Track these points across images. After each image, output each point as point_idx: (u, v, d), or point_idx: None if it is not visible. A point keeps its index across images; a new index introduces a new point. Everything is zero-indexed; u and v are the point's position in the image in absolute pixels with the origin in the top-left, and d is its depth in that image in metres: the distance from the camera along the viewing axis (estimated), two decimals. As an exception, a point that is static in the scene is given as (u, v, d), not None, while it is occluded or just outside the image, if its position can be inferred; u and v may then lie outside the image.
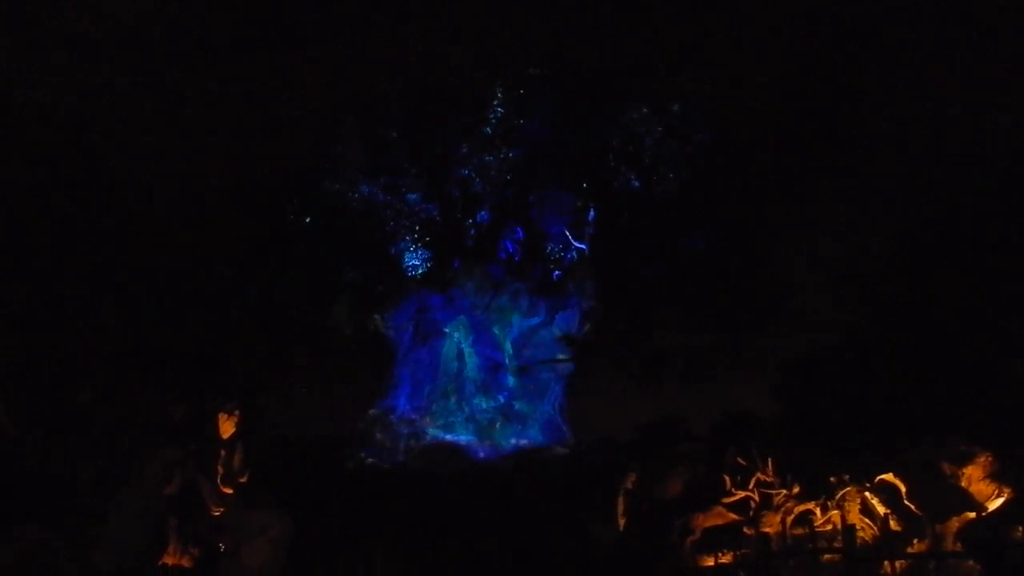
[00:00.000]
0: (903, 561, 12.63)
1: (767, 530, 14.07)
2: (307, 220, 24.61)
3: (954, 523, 12.57)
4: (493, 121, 24.72)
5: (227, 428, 15.74)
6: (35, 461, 15.32)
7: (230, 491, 15.12)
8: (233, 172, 24.84)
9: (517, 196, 25.29)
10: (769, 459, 14.44)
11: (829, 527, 13.95)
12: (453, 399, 24.61)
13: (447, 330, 24.93)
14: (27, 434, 15.62)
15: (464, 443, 23.81)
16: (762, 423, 20.34)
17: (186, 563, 13.96)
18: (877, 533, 13.51)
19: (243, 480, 15.44)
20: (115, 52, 24.95)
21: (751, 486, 14.52)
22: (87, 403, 17.17)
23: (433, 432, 23.96)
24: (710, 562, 14.58)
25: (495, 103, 24.75)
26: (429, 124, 25.16)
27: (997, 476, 12.93)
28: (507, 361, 25.21)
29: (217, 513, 14.64)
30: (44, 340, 18.35)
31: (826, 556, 13.39)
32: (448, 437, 23.89)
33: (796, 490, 14.22)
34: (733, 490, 14.70)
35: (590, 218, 25.42)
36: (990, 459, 13.24)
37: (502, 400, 24.97)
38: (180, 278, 23.20)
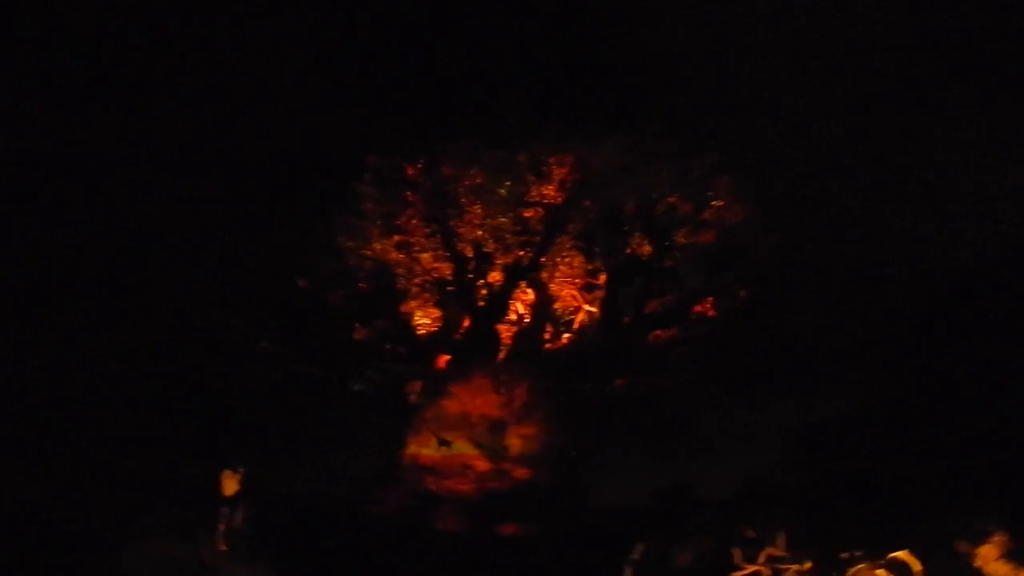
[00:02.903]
0: (916, 643, 12.26)
1: (777, 606, 13.77)
2: (320, 276, 24.70)
3: (969, 604, 12.21)
4: (508, 183, 24.88)
5: (231, 486, 15.65)
6: (44, 516, 15.24)
7: (228, 549, 15.00)
8: (248, 224, 25.07)
9: (529, 258, 25.31)
10: (781, 533, 14.17)
11: (840, 604, 13.61)
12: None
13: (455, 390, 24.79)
14: (37, 489, 15.58)
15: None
16: (774, 494, 20.08)
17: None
18: (889, 612, 13.14)
19: (243, 539, 15.31)
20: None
21: (761, 560, 14.23)
22: (94, 457, 17.12)
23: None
24: (718, 637, 14.26)
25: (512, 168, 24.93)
26: (444, 183, 25.31)
27: (1014, 556, 12.60)
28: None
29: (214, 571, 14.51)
30: (56, 395, 18.39)
31: (837, 635, 13.06)
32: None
33: (808, 566, 13.90)
34: (743, 564, 14.41)
35: (601, 282, 25.45)
36: (1007, 538, 12.92)
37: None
38: (191, 331, 23.26)
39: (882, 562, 13.59)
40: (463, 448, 23.22)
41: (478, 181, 24.91)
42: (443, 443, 23.16)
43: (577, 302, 25.91)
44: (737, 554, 14.59)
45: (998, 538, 12.89)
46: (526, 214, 25.10)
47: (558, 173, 25.08)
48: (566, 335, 25.94)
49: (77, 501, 16.29)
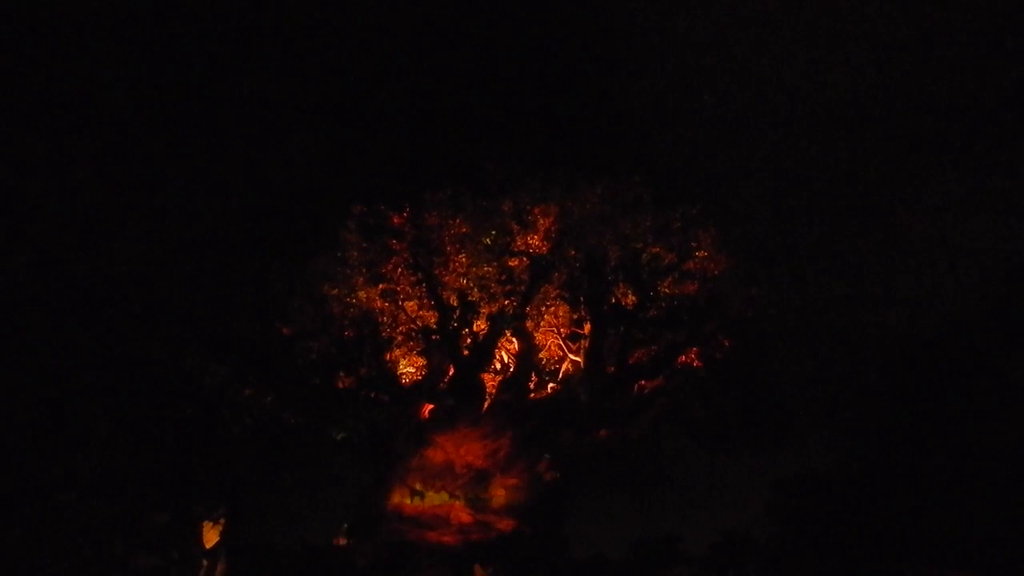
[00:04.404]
0: None
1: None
2: (304, 324, 24.59)
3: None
4: (492, 233, 25.01)
5: (211, 537, 15.45)
6: (13, 561, 14.93)
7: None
8: (233, 273, 25.00)
9: (514, 307, 25.36)
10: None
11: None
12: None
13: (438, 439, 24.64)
14: (6, 532, 15.26)
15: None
16: (758, 546, 19.98)
17: None
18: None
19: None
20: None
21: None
22: (69, 504, 16.80)
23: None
24: None
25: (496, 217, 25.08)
26: (429, 232, 25.39)
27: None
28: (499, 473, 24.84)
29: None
30: (28, 437, 18.06)
31: None
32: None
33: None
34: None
35: (586, 331, 25.52)
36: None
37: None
38: (172, 376, 23.03)
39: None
40: (439, 499, 23.02)
41: (463, 230, 25.04)
42: (415, 494, 22.93)
43: (562, 351, 26.01)
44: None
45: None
46: (511, 263, 25.22)
47: (542, 223, 25.23)
48: (551, 384, 25.98)
49: (52, 552, 15.94)
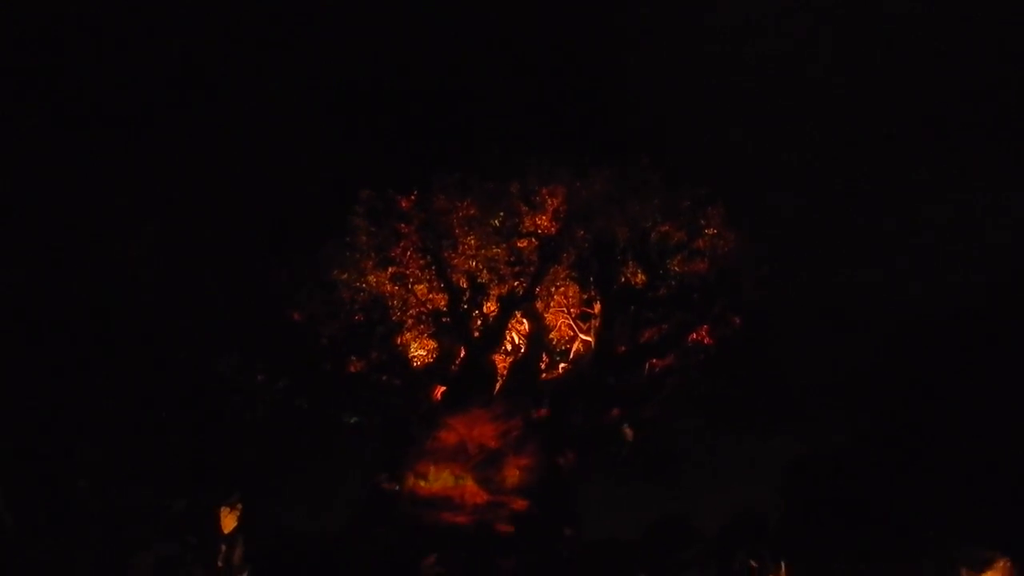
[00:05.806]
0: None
1: (780, 638, 13.72)
2: (315, 309, 24.66)
3: (974, 633, 12.25)
4: (501, 215, 25.01)
5: (228, 522, 15.52)
6: (32, 551, 15.06)
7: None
8: (242, 259, 25.05)
9: (523, 288, 25.37)
10: (783, 564, 14.17)
11: (845, 636, 13.59)
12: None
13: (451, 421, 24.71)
14: (25, 523, 15.38)
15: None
16: (770, 525, 20.02)
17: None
18: (894, 643, 13.15)
19: (243, 576, 15.14)
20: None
21: (764, 591, 14.19)
22: (85, 493, 16.92)
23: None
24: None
25: (504, 199, 25.05)
26: (437, 215, 25.39)
27: (1018, 584, 12.65)
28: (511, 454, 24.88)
29: (215, 611, 14.31)
30: (43, 427, 18.18)
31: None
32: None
33: (811, 596, 13.89)
34: (745, 595, 14.37)
35: (596, 311, 25.52)
36: (1009, 564, 12.99)
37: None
38: (184, 364, 23.13)
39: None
40: (452, 480, 23.05)
41: (471, 212, 25.03)
42: (419, 476, 22.99)
43: (573, 331, 26.02)
44: (739, 585, 14.57)
45: (1001, 564, 12.94)
46: (520, 244, 25.22)
47: (551, 203, 25.19)
48: (562, 365, 26.00)
49: (69, 540, 16.07)
